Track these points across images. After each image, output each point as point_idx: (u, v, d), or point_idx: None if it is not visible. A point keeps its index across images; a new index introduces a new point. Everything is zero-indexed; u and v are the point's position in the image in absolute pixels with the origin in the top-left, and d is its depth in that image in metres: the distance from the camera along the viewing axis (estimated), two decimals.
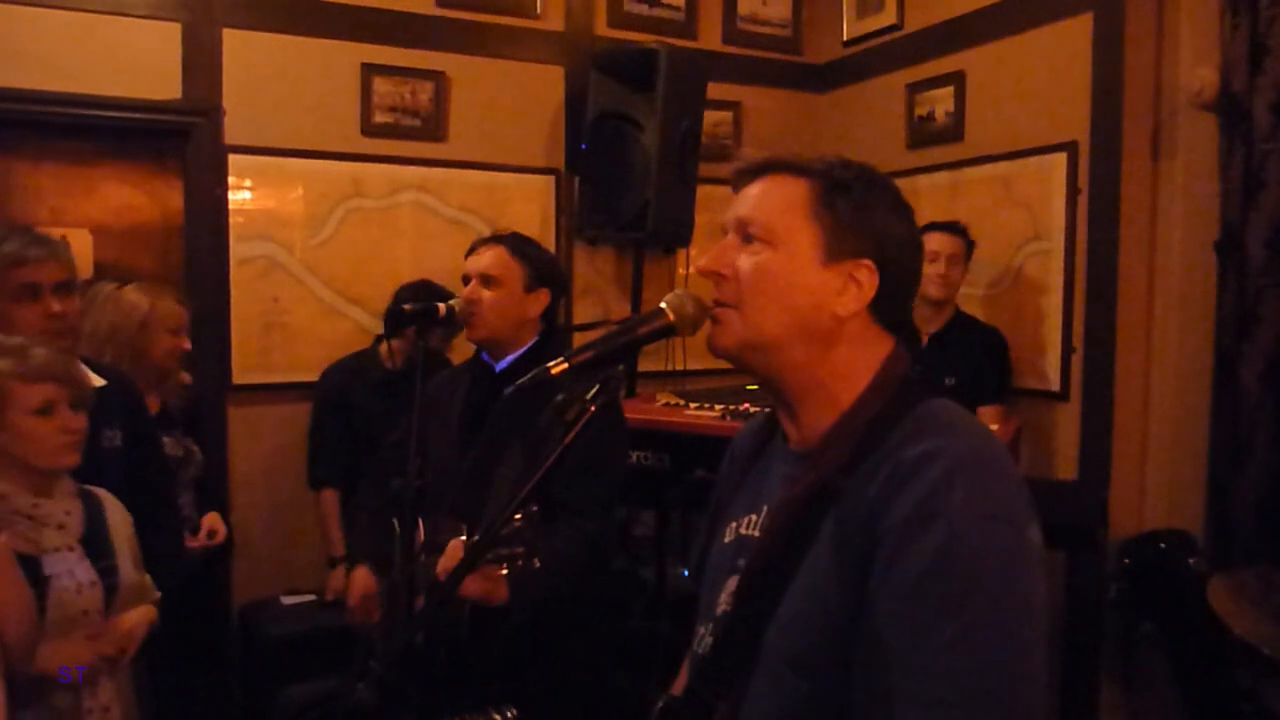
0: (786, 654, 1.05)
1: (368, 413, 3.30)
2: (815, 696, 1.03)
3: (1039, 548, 0.98)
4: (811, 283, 1.11)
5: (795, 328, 1.11)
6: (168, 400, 2.90)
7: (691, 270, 4.27)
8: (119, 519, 2.08)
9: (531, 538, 1.38)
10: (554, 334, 2.35)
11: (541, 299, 2.29)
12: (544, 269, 2.30)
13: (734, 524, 1.22)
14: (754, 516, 1.17)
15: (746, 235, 1.14)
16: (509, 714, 1.02)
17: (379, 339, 3.45)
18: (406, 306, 2.23)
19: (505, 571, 1.58)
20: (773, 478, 1.19)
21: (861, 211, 1.12)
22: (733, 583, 1.14)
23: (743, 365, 1.15)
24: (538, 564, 1.41)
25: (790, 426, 1.18)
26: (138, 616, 2.03)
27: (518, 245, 2.29)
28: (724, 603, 1.14)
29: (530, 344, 2.28)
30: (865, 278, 1.11)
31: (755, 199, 1.15)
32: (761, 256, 1.12)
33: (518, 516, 1.37)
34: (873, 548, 0.98)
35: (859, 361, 1.13)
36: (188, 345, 2.86)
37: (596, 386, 1.17)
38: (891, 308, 1.15)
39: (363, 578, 2.37)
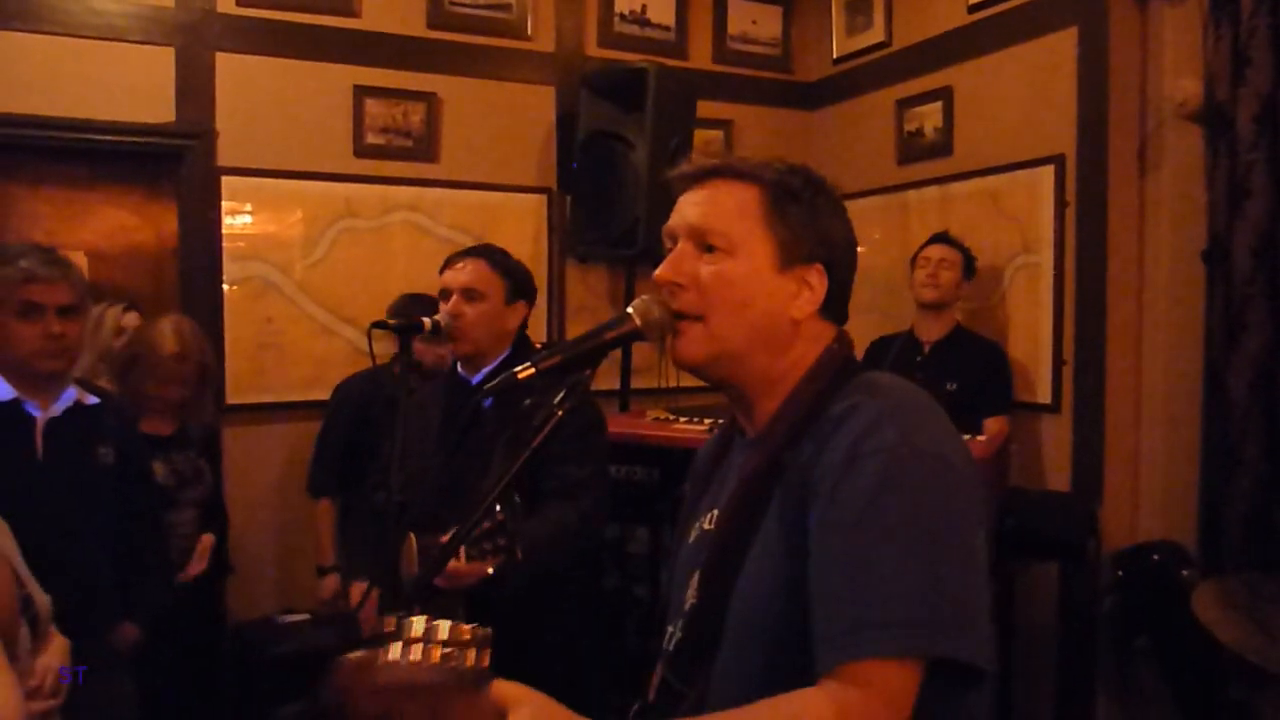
0: (743, 626, 1.07)
1: (384, 427, 3.31)
2: (772, 667, 1.04)
3: (974, 488, 1.02)
4: (770, 289, 1.13)
5: (757, 335, 1.14)
6: (188, 421, 2.91)
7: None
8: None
9: (512, 529, 1.40)
10: (527, 345, 2.38)
11: (519, 311, 2.33)
12: (521, 282, 2.34)
13: (698, 524, 1.24)
14: (715, 511, 1.19)
15: (705, 245, 1.15)
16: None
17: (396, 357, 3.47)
18: (391, 320, 2.25)
19: (491, 569, 1.60)
20: (731, 472, 1.21)
21: (811, 218, 1.15)
22: (697, 577, 1.15)
23: (706, 375, 1.17)
24: (520, 556, 1.43)
25: (746, 422, 1.21)
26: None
27: (496, 258, 2.32)
28: (690, 597, 1.16)
29: (504, 356, 2.31)
30: (816, 281, 1.15)
31: (706, 205, 1.16)
32: (722, 266, 1.13)
33: (500, 508, 1.38)
34: (809, 497, 1.01)
35: (809, 354, 1.16)
36: (174, 395, 2.82)
37: (563, 391, 1.17)
38: (838, 305, 1.19)
39: (360, 589, 2.37)
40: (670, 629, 1.21)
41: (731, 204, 1.15)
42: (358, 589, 2.42)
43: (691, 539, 1.24)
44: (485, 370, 2.31)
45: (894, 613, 0.92)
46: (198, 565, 2.83)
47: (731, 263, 1.13)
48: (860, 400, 1.04)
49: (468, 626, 1.03)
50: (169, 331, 2.82)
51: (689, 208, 1.18)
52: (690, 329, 1.15)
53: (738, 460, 1.21)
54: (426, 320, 2.23)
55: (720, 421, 2.84)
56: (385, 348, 3.61)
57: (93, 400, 2.30)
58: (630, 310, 1.18)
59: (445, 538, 1.90)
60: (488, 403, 2.23)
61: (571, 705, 1.21)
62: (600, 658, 3.12)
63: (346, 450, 3.38)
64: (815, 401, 1.10)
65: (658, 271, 1.18)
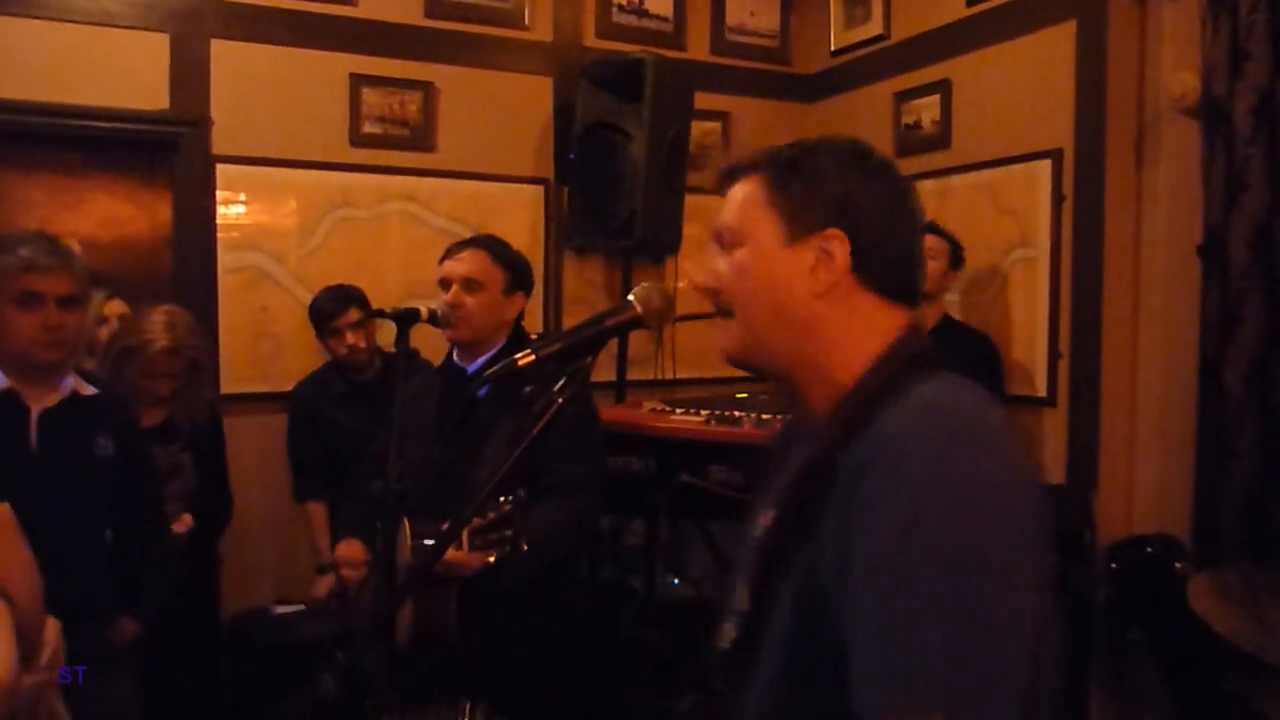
0: (781, 644, 1.02)
1: (335, 425, 3.33)
2: (804, 697, 0.99)
3: (1021, 522, 0.92)
4: (782, 268, 1.09)
5: (778, 316, 1.10)
6: (176, 415, 2.87)
7: (682, 282, 4.28)
8: None
9: (519, 521, 1.40)
10: (522, 335, 2.40)
11: (517, 302, 2.36)
12: (521, 273, 2.37)
13: (758, 517, 1.18)
14: (771, 510, 1.14)
15: (722, 242, 1.14)
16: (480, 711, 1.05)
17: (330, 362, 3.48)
18: (388, 309, 2.24)
19: (494, 558, 1.60)
20: (790, 467, 1.15)
21: (815, 182, 1.09)
22: (748, 578, 1.11)
23: (748, 367, 1.15)
24: (525, 548, 1.43)
25: (802, 416, 1.17)
26: None
27: (496, 249, 2.34)
28: (742, 600, 1.12)
29: (500, 346, 2.33)
30: (836, 246, 1.07)
31: (725, 206, 1.15)
32: (733, 256, 1.12)
33: (505, 499, 1.38)
34: (848, 523, 0.95)
35: (854, 336, 1.08)
36: (162, 389, 2.78)
37: (564, 379, 1.17)
38: (880, 269, 1.09)
39: (350, 543, 2.37)
40: (726, 626, 1.16)
41: (739, 197, 1.13)
42: (344, 546, 2.40)
43: (752, 533, 1.19)
44: (481, 359, 2.33)
45: (902, 675, 0.86)
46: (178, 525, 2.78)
47: (741, 251, 1.11)
48: (903, 424, 0.95)
49: None
50: (161, 324, 2.75)
51: (717, 215, 1.17)
52: (724, 324, 1.13)
53: (799, 453, 1.15)
54: (424, 308, 2.23)
55: (718, 413, 2.85)
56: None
57: (91, 390, 2.27)
58: (631, 298, 1.18)
59: (446, 525, 1.91)
60: (483, 392, 2.24)
61: (561, 693, 1.21)
62: (590, 648, 3.14)
63: (319, 452, 3.39)
64: (869, 402, 1.02)
65: (694, 279, 1.18)
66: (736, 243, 1.12)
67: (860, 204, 1.08)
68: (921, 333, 1.11)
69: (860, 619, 0.91)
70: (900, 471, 0.91)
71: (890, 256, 1.10)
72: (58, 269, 2.12)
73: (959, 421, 0.96)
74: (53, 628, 1.84)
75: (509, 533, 1.37)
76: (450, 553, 1.75)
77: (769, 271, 1.10)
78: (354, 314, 3.30)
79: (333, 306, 3.31)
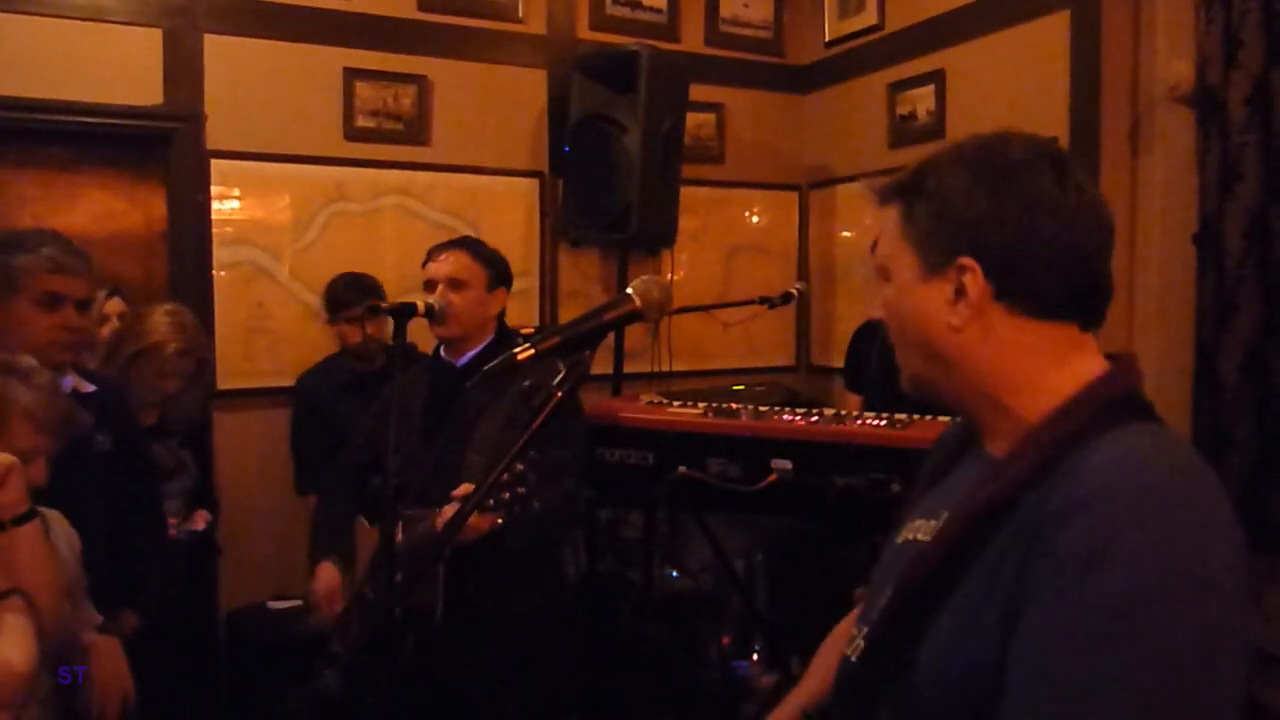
0: (927, 678, 0.95)
1: (339, 416, 3.33)
2: None
3: (1239, 615, 0.83)
4: (922, 303, 1.03)
5: (930, 355, 1.04)
6: (168, 411, 2.88)
7: (678, 275, 4.29)
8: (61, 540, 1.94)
9: (535, 481, 1.43)
10: (507, 330, 2.51)
11: (500, 298, 2.46)
12: (501, 270, 2.47)
13: (912, 524, 1.13)
14: (932, 522, 1.07)
15: (881, 275, 1.10)
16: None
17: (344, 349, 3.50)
18: (383, 304, 2.28)
19: (501, 521, 1.64)
20: (962, 485, 1.07)
21: (939, 208, 1.01)
22: (891, 592, 1.04)
23: (927, 399, 1.10)
24: (537, 505, 1.47)
25: (981, 437, 1.10)
26: None
27: (476, 249, 2.45)
28: (880, 609, 1.05)
29: (487, 341, 2.44)
30: (968, 277, 0.99)
31: (880, 234, 1.10)
32: (885, 294, 1.08)
33: (520, 467, 1.40)
34: (1031, 574, 0.87)
35: (1032, 371, 1.00)
36: (170, 387, 2.80)
37: (563, 373, 1.18)
38: (1033, 290, 0.99)
39: (328, 571, 2.42)
40: (855, 633, 1.11)
41: (884, 229, 1.08)
42: (324, 571, 2.44)
43: (900, 539, 1.13)
44: (469, 354, 2.42)
45: None
46: (194, 523, 2.84)
47: (890, 288, 1.07)
48: (1121, 480, 0.86)
49: None
50: (170, 325, 2.78)
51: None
52: (898, 357, 1.10)
53: (970, 474, 1.07)
54: (420, 303, 2.28)
55: (716, 405, 2.85)
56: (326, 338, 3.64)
57: (90, 388, 2.28)
58: (630, 291, 1.19)
59: (461, 490, 1.97)
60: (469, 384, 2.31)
61: (539, 680, 1.19)
62: (585, 640, 3.15)
63: (322, 444, 3.38)
64: (1062, 445, 0.93)
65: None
66: (887, 277, 1.07)
67: (992, 223, 0.98)
68: (1129, 372, 1.02)
69: (1026, 701, 0.85)
70: (1121, 545, 0.82)
71: (1043, 274, 0.99)
72: (79, 271, 2.15)
73: (1182, 493, 0.86)
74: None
75: (522, 490, 1.42)
76: None
77: (913, 307, 1.04)
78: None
79: (350, 296, 3.34)
